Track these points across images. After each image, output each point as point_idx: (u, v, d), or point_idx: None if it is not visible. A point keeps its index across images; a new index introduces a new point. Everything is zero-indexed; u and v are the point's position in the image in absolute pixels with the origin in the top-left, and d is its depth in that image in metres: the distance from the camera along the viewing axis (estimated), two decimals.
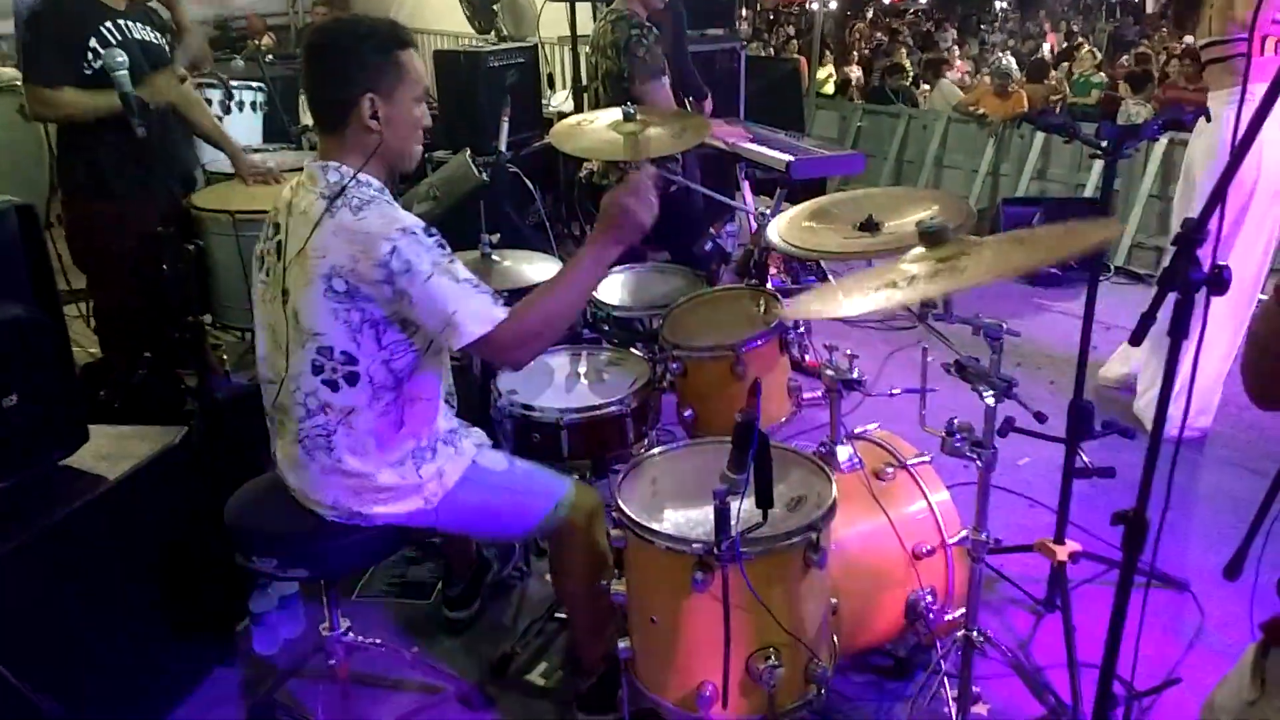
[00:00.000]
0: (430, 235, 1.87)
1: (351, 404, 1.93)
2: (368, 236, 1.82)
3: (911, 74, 10.60)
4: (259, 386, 2.08)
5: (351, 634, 2.24)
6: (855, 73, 11.06)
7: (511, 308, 1.90)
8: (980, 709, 2.28)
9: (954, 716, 2.09)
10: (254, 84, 4.61)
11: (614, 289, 3.10)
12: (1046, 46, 13.54)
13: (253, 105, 4.57)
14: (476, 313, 1.84)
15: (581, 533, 2.17)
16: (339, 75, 1.90)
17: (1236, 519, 3.04)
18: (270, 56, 6.72)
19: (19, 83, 3.76)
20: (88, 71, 2.90)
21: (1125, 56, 11.13)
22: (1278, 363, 1.04)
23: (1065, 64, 11.41)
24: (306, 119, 5.22)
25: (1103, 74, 10.11)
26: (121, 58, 2.67)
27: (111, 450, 2.31)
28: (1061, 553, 2.40)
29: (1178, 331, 1.35)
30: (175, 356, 3.09)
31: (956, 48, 12.78)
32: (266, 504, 2.10)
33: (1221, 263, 1.31)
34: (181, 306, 2.69)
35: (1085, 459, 2.44)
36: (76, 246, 3.15)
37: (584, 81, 5.65)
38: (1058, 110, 8.91)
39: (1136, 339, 1.34)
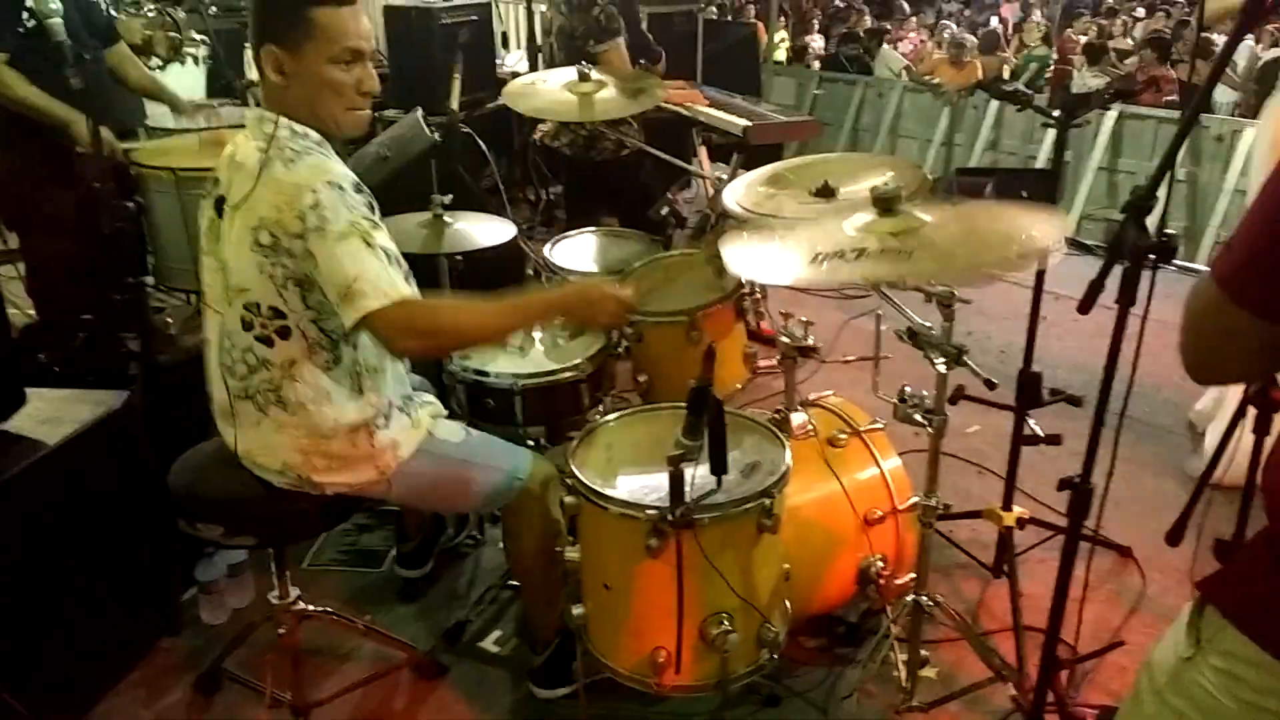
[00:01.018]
0: (359, 193, 1.80)
1: (290, 356, 1.87)
2: (294, 186, 1.76)
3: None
4: (201, 350, 2.02)
5: (302, 603, 2.21)
6: (816, 41, 10.99)
7: (426, 295, 1.83)
8: (929, 672, 2.32)
9: (903, 680, 2.13)
10: (197, 36, 4.46)
11: (569, 253, 3.07)
12: (995, 20, 13.58)
13: (195, 60, 4.42)
14: (378, 284, 1.74)
15: (536, 503, 2.14)
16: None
17: (1179, 486, 3.12)
18: (214, 9, 6.49)
19: None
20: (21, 30, 2.79)
21: (1070, 29, 11.21)
22: (1213, 341, 1.06)
23: (1016, 36, 11.48)
24: (252, 73, 5.07)
25: (1047, 47, 10.18)
26: (55, 4, 2.57)
27: (51, 414, 2.25)
28: (1009, 519, 2.44)
29: (1124, 300, 1.37)
30: (116, 319, 3.00)
31: (913, 18, 12.78)
32: (212, 470, 2.05)
33: (1170, 231, 1.33)
34: (121, 267, 2.60)
35: (1034, 427, 2.48)
36: (6, 205, 3.04)
37: (539, 40, 5.58)
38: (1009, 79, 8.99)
39: (1084, 307, 1.35)
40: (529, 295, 1.99)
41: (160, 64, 3.64)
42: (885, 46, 9.02)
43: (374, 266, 1.76)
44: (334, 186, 1.77)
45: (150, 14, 3.85)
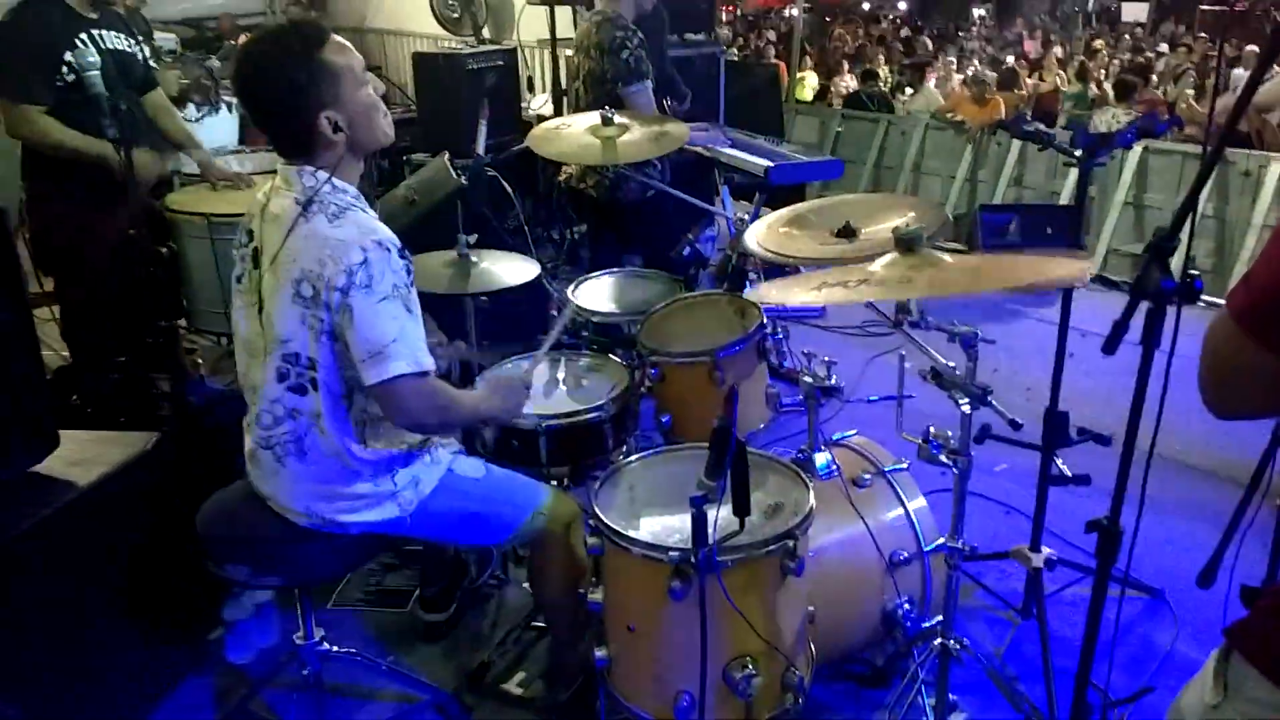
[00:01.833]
0: (403, 258, 1.84)
1: (318, 409, 1.91)
2: (341, 243, 1.79)
3: (891, 81, 10.66)
4: (233, 392, 2.05)
5: (326, 643, 2.22)
6: (847, 81, 11.04)
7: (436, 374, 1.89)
8: (957, 717, 2.28)
9: None
10: (230, 86, 4.58)
11: (593, 294, 3.09)
12: (1011, 58, 13.62)
13: (229, 106, 4.53)
14: (413, 351, 1.81)
15: (559, 541, 2.16)
16: (282, 108, 1.84)
17: (1210, 527, 3.06)
18: None
19: None
20: (60, 84, 2.88)
21: (1090, 62, 11.23)
22: (1231, 377, 1.05)
23: (1037, 72, 11.51)
24: None
25: (1081, 83, 10.19)
26: (93, 58, 2.65)
27: (83, 456, 2.28)
28: (1037, 560, 2.40)
29: (1149, 340, 1.36)
30: (149, 361, 3.06)
31: (938, 56, 12.87)
32: (239, 511, 2.08)
33: (1193, 271, 1.32)
34: (154, 310, 2.66)
35: (1061, 466, 2.45)
36: (42, 249, 3.11)
37: (564, 84, 5.65)
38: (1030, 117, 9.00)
39: (1109, 347, 1.35)
40: (478, 392, 2.21)
41: (196, 116, 3.73)
42: (927, 85, 9.06)
43: (412, 332, 1.82)
44: (383, 248, 1.80)
45: (187, 65, 3.96)
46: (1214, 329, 1.05)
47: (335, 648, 2.26)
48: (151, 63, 3.36)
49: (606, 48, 3.62)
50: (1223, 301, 1.09)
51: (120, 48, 3.07)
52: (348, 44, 1.91)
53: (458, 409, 1.98)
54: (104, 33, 3.01)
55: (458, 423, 2.07)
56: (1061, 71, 11.17)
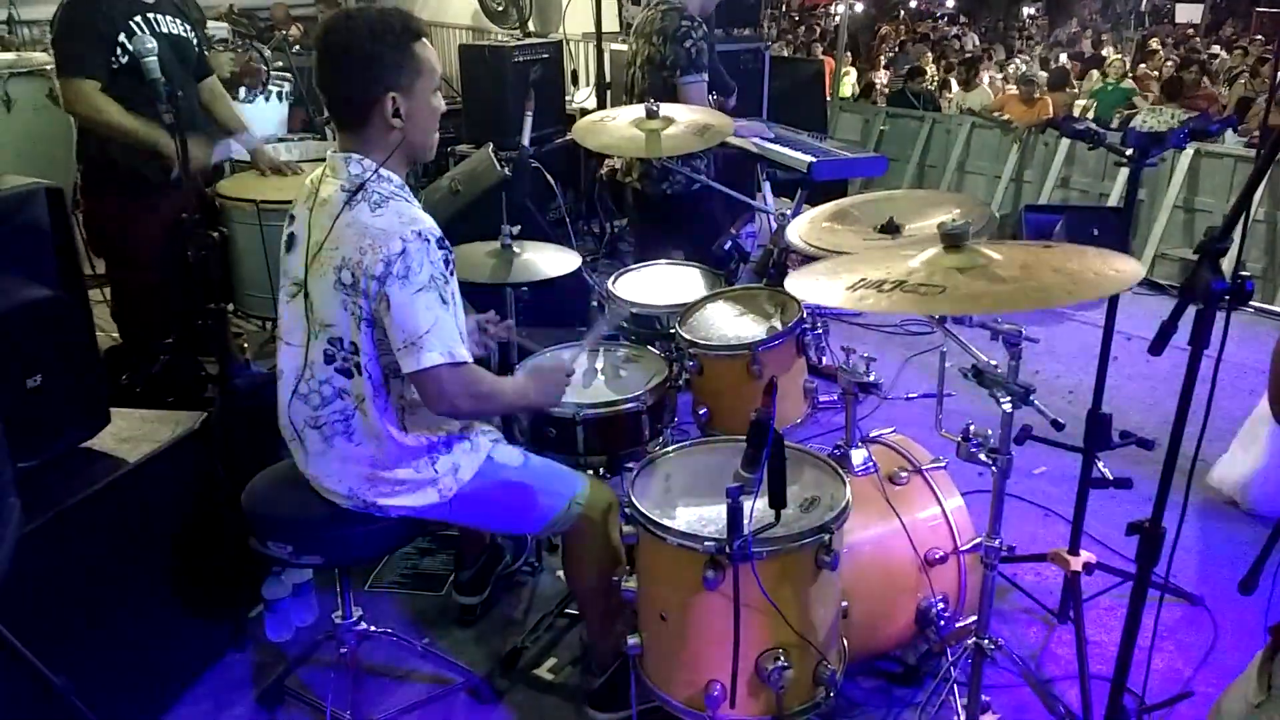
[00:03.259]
0: (442, 247, 1.87)
1: (362, 392, 1.95)
2: (381, 232, 1.82)
3: (937, 79, 10.56)
4: (276, 375, 2.09)
5: (363, 623, 2.26)
6: (882, 77, 10.98)
7: (473, 362, 1.92)
8: (989, 718, 2.27)
9: None
10: (280, 74, 4.65)
11: (634, 286, 3.10)
12: (1064, 56, 13.42)
13: (279, 95, 4.60)
14: (445, 342, 1.84)
15: (595, 529, 2.18)
16: (358, 75, 1.88)
17: (1252, 533, 3.02)
18: (297, 47, 6.76)
19: (49, 67, 3.79)
20: (115, 66, 2.93)
21: (1145, 64, 11.05)
22: None
23: (1094, 71, 11.33)
24: None
25: (1131, 80, 10.03)
26: (151, 44, 2.70)
27: (132, 433, 2.34)
28: (1076, 563, 2.38)
29: (1198, 342, 1.35)
30: (196, 343, 3.12)
31: (988, 54, 12.72)
32: (284, 490, 2.12)
33: (1244, 274, 1.31)
34: (204, 294, 2.70)
35: (1103, 469, 2.42)
36: (94, 232, 3.17)
37: (608, 78, 5.67)
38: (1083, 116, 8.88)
39: (1156, 348, 1.33)
40: (519, 380, 2.22)
41: (247, 98, 3.78)
42: (984, 81, 9.00)
43: (447, 323, 1.85)
44: (422, 238, 1.83)
45: (240, 50, 4.04)
46: None
47: (372, 628, 2.30)
48: (204, 50, 3.41)
49: (670, 35, 3.63)
50: (1272, 307, 1.08)
51: (176, 32, 3.12)
52: (436, 56, 1.97)
53: (496, 397, 2.01)
54: (160, 17, 3.06)
55: (496, 411, 2.10)
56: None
